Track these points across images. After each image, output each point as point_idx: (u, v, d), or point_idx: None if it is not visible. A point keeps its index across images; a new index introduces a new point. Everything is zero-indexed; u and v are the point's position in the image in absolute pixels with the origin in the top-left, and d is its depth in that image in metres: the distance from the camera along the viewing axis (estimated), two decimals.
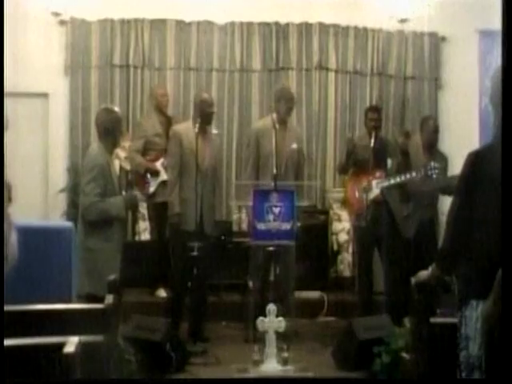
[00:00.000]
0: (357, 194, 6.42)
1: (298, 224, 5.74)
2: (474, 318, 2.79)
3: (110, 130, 5.06)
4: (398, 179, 6.18)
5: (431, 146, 6.41)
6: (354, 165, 6.50)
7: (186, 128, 6.08)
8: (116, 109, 5.37)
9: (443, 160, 6.42)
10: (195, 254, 5.70)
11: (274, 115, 6.17)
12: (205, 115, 6.00)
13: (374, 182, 6.28)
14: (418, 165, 6.23)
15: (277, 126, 5.93)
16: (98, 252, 4.84)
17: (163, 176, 6.77)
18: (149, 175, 6.96)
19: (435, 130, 6.45)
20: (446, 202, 6.24)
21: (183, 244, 5.85)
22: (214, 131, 6.40)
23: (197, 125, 5.91)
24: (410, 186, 6.21)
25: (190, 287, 5.92)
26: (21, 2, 7.53)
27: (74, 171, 7.77)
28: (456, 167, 5.69)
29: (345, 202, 7.08)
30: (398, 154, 6.36)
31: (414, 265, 6.05)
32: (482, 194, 2.87)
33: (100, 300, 3.79)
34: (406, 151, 6.27)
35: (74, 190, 7.68)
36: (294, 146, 6.19)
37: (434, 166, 6.04)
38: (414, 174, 6.13)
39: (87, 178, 4.92)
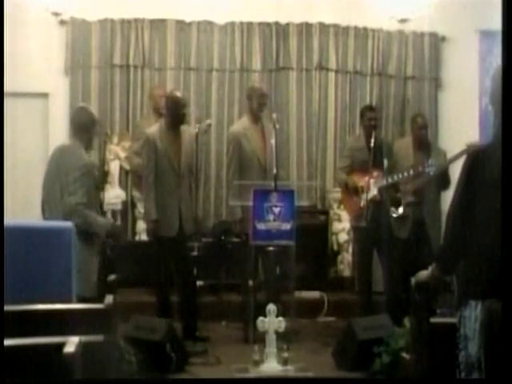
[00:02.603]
0: (354, 195, 6.43)
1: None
2: (473, 317, 2.79)
3: (85, 130, 5.01)
4: (395, 178, 6.19)
5: (422, 143, 6.42)
6: (353, 165, 6.51)
7: (158, 131, 5.96)
8: (92, 110, 5.33)
9: (440, 154, 6.45)
10: (195, 254, 5.71)
11: (274, 115, 6.15)
12: (177, 116, 5.91)
13: (371, 182, 6.28)
14: (409, 163, 6.26)
15: (277, 125, 5.92)
16: (80, 253, 4.77)
17: None
18: None
19: (423, 127, 6.45)
20: (445, 202, 6.25)
21: (165, 246, 5.85)
22: (209, 121, 6.41)
23: (166, 125, 5.89)
24: (404, 184, 6.22)
25: (175, 287, 5.94)
26: (21, 2, 7.53)
27: None
28: (456, 167, 5.72)
29: (342, 202, 7.09)
30: (393, 155, 6.39)
31: (413, 264, 6.07)
32: (481, 193, 2.86)
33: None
34: (401, 155, 6.35)
35: None
36: (273, 141, 6.17)
37: (430, 163, 6.05)
38: (411, 172, 6.14)
39: (74, 176, 4.76)
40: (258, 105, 6.26)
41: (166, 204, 5.87)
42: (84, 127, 5.01)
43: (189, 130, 6.14)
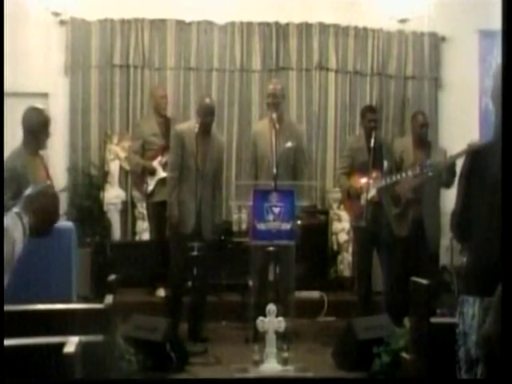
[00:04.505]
0: (355, 197, 6.43)
1: (299, 222, 5.74)
2: (470, 314, 2.79)
3: (34, 131, 4.95)
4: (394, 178, 6.19)
5: (422, 141, 6.40)
6: (352, 165, 6.51)
7: (188, 128, 6.08)
8: (44, 110, 5.20)
9: (441, 153, 6.42)
10: (195, 254, 5.71)
11: (274, 115, 6.16)
12: (205, 120, 6.02)
13: (371, 182, 6.27)
14: (409, 162, 6.25)
15: (277, 125, 5.92)
16: None
17: (160, 174, 6.79)
18: (147, 175, 6.96)
19: (424, 125, 6.42)
20: (444, 201, 6.24)
21: (182, 245, 5.88)
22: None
23: (197, 125, 5.93)
24: (403, 184, 6.21)
25: (189, 287, 5.96)
26: (21, 2, 7.54)
27: (74, 171, 7.79)
28: (456, 166, 5.72)
29: (342, 203, 7.08)
30: (393, 155, 6.39)
31: (412, 265, 6.08)
32: (481, 192, 2.86)
33: None
34: (400, 154, 6.34)
35: (73, 190, 7.69)
36: (289, 144, 6.16)
37: (429, 163, 6.03)
38: (409, 172, 6.13)
39: None
40: (266, 104, 6.30)
41: (185, 202, 5.97)
42: (29, 129, 4.96)
43: (219, 138, 6.32)
